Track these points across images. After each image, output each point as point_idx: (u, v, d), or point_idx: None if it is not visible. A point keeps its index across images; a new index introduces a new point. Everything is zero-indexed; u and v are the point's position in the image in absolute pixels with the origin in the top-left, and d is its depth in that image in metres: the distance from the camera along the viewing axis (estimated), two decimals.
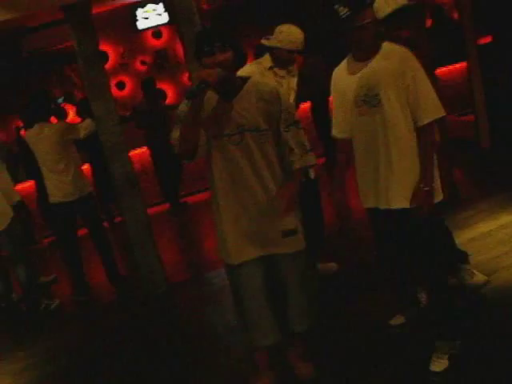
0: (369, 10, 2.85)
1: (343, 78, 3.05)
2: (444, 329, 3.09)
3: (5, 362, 4.64)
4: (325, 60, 7.66)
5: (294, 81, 4.24)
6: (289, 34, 4.06)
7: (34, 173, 7.61)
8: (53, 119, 5.71)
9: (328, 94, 3.27)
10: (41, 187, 7.54)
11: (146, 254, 5.10)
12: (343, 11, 2.78)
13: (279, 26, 4.14)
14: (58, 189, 5.38)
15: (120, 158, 4.98)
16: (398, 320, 3.53)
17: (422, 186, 2.89)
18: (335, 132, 3.22)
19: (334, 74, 3.16)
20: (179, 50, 9.25)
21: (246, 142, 2.79)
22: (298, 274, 3.04)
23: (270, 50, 4.16)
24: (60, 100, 8.72)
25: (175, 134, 2.77)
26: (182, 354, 4.03)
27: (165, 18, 9.78)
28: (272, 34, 4.11)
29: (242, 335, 3.16)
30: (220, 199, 2.90)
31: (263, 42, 4.16)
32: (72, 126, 5.48)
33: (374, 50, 2.90)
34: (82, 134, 5.37)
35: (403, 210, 2.95)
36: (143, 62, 10.00)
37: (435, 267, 3.05)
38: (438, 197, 3.01)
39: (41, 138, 5.33)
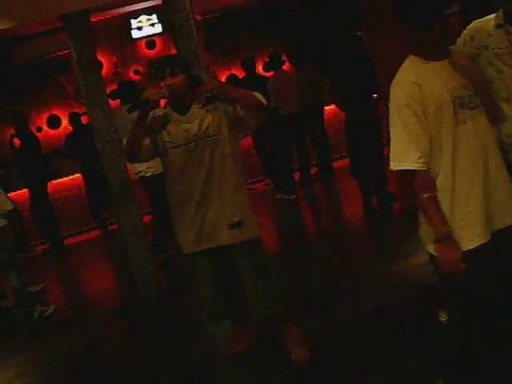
0: None
1: (429, 82, 2.34)
2: None
3: None
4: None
5: None
6: None
7: (28, 180, 7.68)
8: None
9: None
10: (34, 194, 7.60)
11: (142, 262, 5.13)
12: None
13: None
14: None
15: (117, 165, 5.01)
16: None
17: None
18: (418, 164, 2.32)
19: (408, 81, 2.34)
20: None
21: (200, 149, 3.20)
22: (250, 264, 3.34)
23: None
24: None
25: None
26: (176, 362, 3.99)
27: (158, 28, 9.82)
28: None
29: None
30: (174, 199, 3.34)
31: None
32: None
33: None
34: None
35: None
36: (136, 72, 10.04)
37: None
38: None
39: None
